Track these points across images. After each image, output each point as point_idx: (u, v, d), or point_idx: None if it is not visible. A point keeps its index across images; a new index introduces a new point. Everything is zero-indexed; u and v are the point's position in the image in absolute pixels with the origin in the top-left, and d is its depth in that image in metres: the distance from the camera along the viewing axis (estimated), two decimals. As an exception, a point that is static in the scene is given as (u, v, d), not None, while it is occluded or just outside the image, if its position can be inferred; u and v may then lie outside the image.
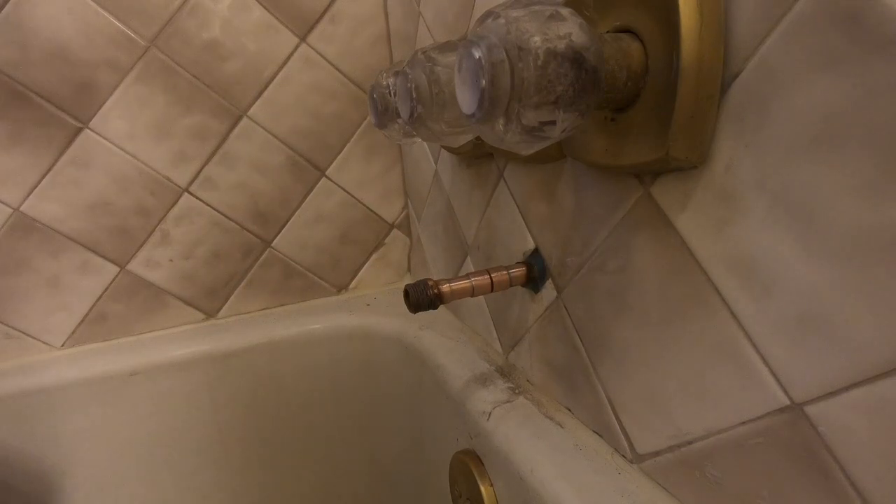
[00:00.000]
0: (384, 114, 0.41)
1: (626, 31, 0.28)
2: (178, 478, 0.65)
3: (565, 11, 0.24)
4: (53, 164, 0.61)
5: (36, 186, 0.61)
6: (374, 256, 0.77)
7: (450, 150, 0.55)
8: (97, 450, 0.64)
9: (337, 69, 0.68)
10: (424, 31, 0.57)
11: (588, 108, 0.25)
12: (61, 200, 0.62)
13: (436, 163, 0.62)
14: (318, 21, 0.66)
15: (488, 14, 0.25)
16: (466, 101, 0.25)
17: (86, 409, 0.63)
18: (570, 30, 0.24)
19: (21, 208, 0.61)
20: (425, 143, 0.64)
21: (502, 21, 0.24)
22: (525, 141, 0.26)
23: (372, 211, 0.76)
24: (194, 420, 0.67)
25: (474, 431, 0.49)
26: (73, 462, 0.63)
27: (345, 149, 0.72)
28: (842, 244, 0.21)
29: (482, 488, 0.47)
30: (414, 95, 0.34)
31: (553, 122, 0.25)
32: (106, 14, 0.58)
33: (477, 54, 0.24)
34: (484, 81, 0.23)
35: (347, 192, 0.74)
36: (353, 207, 0.75)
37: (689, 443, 0.31)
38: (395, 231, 0.78)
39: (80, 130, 0.61)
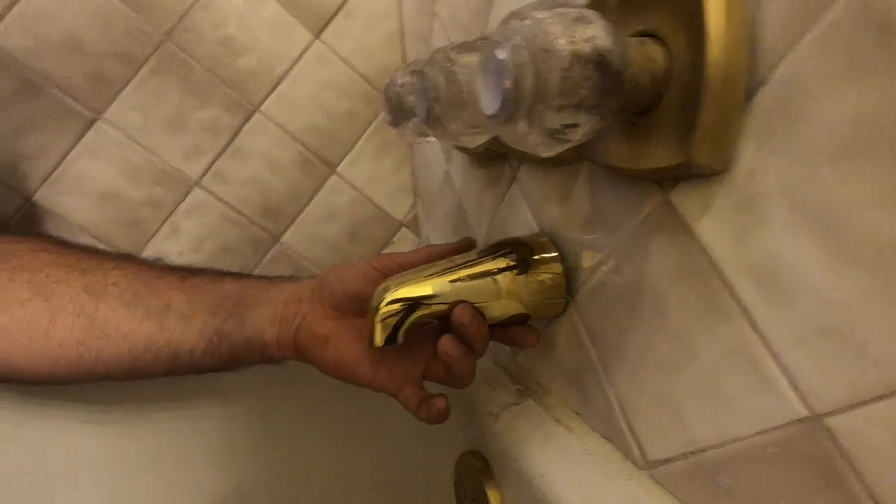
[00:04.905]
0: (399, 113, 0.41)
1: (649, 34, 0.27)
2: (180, 474, 0.65)
3: (591, 14, 0.24)
4: (66, 154, 0.61)
5: (49, 176, 0.61)
6: (382, 255, 0.77)
7: (463, 149, 0.54)
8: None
9: (350, 66, 0.68)
10: (439, 29, 0.57)
11: (610, 111, 0.25)
12: (73, 191, 0.62)
13: (447, 162, 0.62)
14: (332, 18, 0.66)
15: (513, 15, 0.24)
16: (488, 102, 0.25)
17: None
18: (596, 33, 0.24)
19: (33, 198, 0.61)
20: (437, 143, 0.64)
21: (528, 22, 0.23)
22: (546, 143, 0.25)
23: (381, 209, 0.76)
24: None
25: (481, 433, 0.49)
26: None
27: (356, 146, 0.72)
28: (867, 254, 0.21)
29: (488, 491, 0.47)
30: (432, 95, 0.34)
31: (575, 125, 0.25)
32: (122, 6, 0.58)
33: (501, 55, 0.23)
34: (507, 83, 0.23)
35: (357, 190, 0.74)
36: (363, 205, 0.74)
37: (703, 451, 0.31)
38: (403, 229, 0.77)
39: (93, 121, 0.61)
